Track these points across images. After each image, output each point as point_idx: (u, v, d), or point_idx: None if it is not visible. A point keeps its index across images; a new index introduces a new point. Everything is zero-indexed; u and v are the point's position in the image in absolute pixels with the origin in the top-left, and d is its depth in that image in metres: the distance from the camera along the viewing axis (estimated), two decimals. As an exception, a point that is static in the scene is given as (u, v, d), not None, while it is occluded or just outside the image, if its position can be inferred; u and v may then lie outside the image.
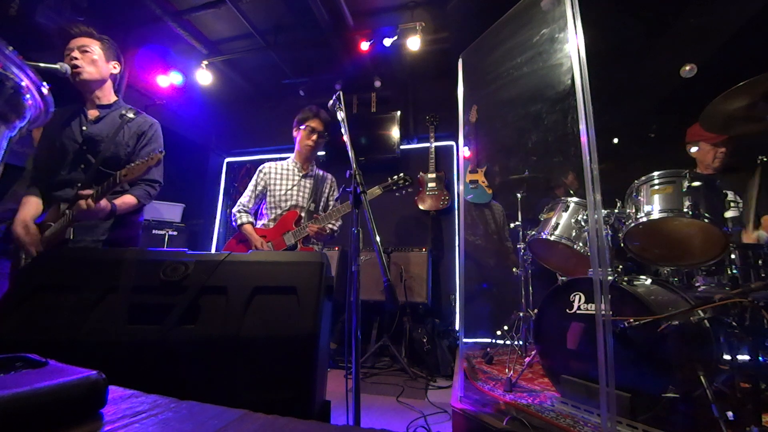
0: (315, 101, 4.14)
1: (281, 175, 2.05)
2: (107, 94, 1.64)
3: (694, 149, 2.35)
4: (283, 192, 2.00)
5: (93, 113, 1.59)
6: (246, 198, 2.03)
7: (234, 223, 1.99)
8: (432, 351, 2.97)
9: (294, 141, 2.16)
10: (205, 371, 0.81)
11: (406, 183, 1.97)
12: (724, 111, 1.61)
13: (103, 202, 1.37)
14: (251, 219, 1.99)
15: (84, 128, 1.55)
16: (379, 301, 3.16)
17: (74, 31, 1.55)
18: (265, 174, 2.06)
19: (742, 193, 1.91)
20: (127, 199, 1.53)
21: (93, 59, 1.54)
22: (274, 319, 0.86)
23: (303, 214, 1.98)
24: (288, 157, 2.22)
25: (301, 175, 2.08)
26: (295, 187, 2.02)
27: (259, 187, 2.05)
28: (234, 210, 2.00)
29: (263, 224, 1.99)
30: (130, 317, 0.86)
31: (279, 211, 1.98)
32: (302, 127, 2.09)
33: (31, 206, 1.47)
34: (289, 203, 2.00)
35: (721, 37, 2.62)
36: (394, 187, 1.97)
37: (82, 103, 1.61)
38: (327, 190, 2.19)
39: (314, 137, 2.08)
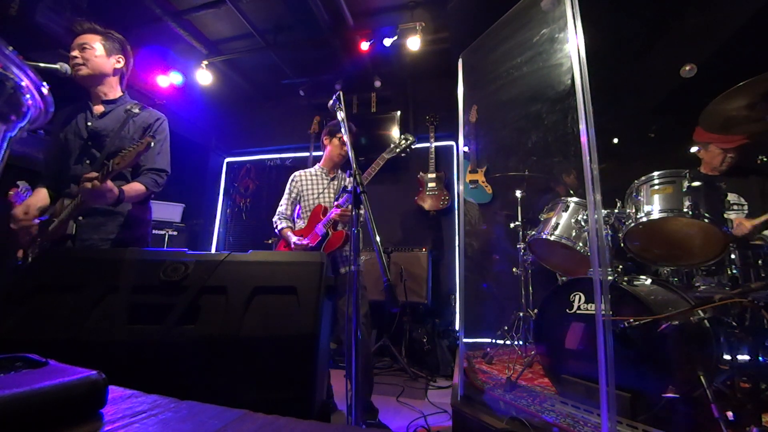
0: (315, 101, 4.18)
1: (311, 182, 2.23)
2: (112, 90, 1.63)
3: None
4: (315, 196, 2.19)
5: (98, 108, 1.59)
6: (283, 206, 2.23)
7: (276, 230, 2.19)
8: (432, 351, 2.97)
9: (323, 147, 2.31)
10: (205, 371, 0.81)
11: (410, 143, 2.10)
12: (724, 111, 1.61)
13: (109, 183, 1.33)
14: (289, 223, 2.20)
15: (89, 124, 1.54)
16: (379, 301, 3.16)
17: (77, 29, 1.55)
18: (297, 182, 2.24)
19: (747, 196, 1.90)
20: (135, 186, 1.49)
21: (93, 55, 1.54)
22: (274, 319, 0.86)
23: (328, 207, 2.15)
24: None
25: (328, 179, 2.25)
26: (325, 190, 2.22)
27: (293, 195, 2.23)
28: (274, 219, 2.21)
29: (299, 227, 2.18)
30: (130, 317, 0.86)
31: (310, 214, 2.16)
32: (336, 137, 2.23)
33: (39, 195, 1.49)
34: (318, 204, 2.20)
35: (721, 37, 2.62)
36: (398, 150, 2.09)
37: (88, 99, 1.60)
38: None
39: (346, 148, 2.20)
